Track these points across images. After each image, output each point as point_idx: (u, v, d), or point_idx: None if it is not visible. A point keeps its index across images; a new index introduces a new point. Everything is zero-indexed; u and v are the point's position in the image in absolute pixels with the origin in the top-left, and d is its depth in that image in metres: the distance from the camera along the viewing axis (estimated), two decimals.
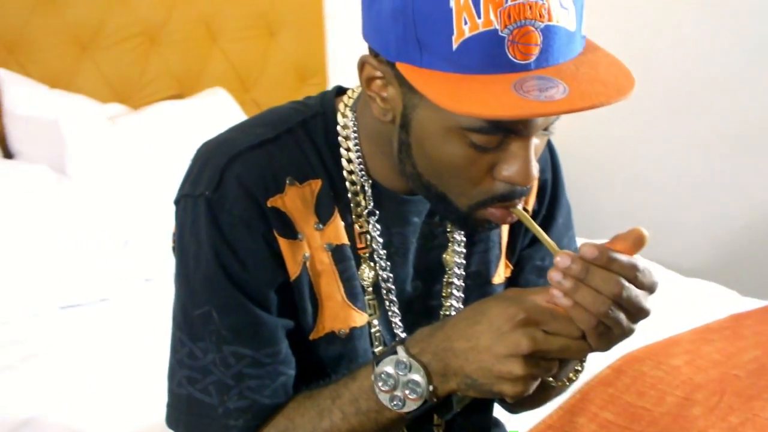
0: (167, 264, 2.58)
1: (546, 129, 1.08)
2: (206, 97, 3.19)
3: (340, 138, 1.21)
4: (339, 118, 1.21)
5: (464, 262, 1.31)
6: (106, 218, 2.59)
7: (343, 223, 1.22)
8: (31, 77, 2.86)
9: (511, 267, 1.39)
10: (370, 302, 1.25)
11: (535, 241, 1.38)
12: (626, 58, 1.02)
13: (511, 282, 1.39)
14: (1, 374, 2.04)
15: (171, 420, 1.21)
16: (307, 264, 1.19)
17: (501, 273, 1.36)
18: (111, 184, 2.67)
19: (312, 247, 1.19)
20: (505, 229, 1.36)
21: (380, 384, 1.11)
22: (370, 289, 1.24)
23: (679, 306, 2.52)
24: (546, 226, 1.37)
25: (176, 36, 3.23)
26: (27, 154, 2.73)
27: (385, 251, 1.24)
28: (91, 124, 2.75)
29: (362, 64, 1.10)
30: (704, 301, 2.60)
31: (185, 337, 1.17)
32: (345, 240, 1.22)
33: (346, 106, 1.22)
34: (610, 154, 3.68)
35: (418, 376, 1.09)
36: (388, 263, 1.25)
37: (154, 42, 3.18)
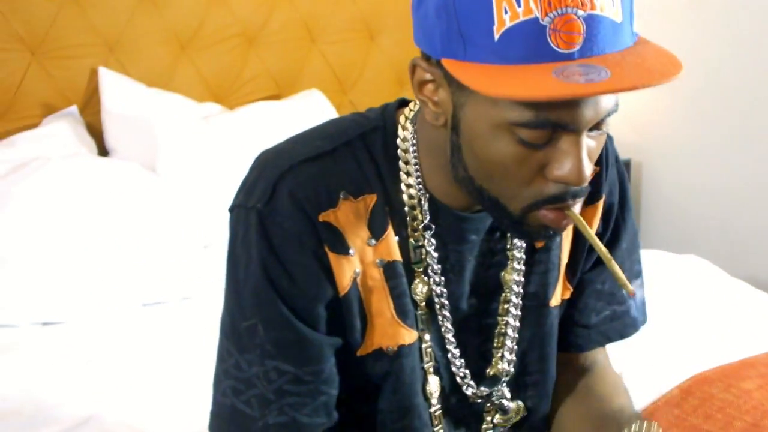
0: None
1: (598, 127, 1.05)
2: (302, 98, 3.23)
3: (399, 151, 1.19)
4: (399, 130, 1.20)
5: (522, 280, 1.29)
6: (191, 217, 2.65)
7: (396, 239, 1.21)
8: (131, 76, 2.95)
9: (571, 289, 1.37)
10: (423, 317, 1.24)
11: (597, 264, 1.36)
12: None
13: (570, 304, 1.37)
14: (79, 369, 2.07)
15: (213, 428, 1.22)
16: (358, 280, 1.18)
17: (558, 295, 1.34)
18: (200, 184, 2.73)
19: (363, 262, 1.19)
20: (566, 250, 1.33)
21: None
22: (423, 304, 1.23)
23: (758, 326, 2.43)
24: (609, 249, 1.32)
25: (275, 37, 3.29)
26: (122, 151, 2.81)
27: (439, 266, 1.23)
28: (184, 123, 2.82)
29: (413, 68, 1.09)
30: None
31: (233, 348, 1.18)
32: (398, 256, 1.21)
33: (406, 118, 1.21)
34: (697, 162, 3.59)
35: None
36: (443, 278, 1.23)
37: (253, 43, 3.24)
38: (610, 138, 1.33)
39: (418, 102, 1.17)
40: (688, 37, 3.30)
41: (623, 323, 1.41)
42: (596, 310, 1.38)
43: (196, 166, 2.76)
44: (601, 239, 1.33)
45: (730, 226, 3.33)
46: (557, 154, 1.03)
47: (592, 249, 1.33)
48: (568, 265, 1.35)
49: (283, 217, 1.14)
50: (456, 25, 0.99)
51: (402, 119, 1.21)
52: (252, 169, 1.21)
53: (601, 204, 1.32)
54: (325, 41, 3.41)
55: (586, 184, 1.05)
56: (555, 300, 1.34)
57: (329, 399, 1.19)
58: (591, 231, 1.10)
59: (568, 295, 1.37)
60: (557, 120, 0.99)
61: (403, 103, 1.25)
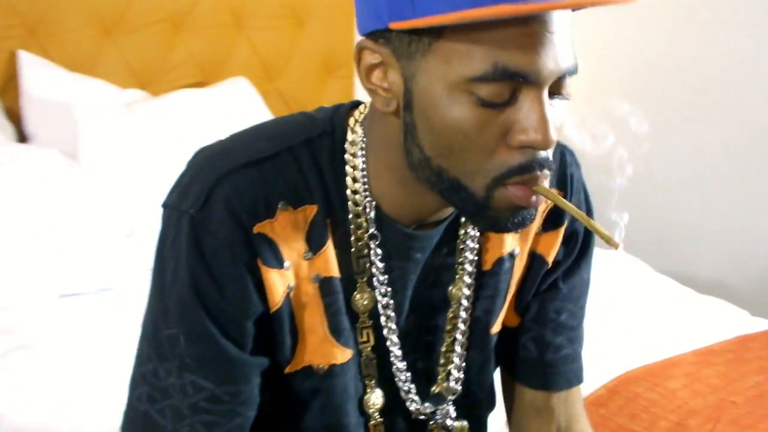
0: None
1: (559, 91, 1.01)
2: (228, 86, 3.18)
3: (346, 155, 1.14)
4: (348, 134, 1.15)
5: (472, 295, 1.25)
6: (113, 206, 2.59)
7: (336, 252, 1.16)
8: (53, 60, 2.86)
9: (519, 318, 1.34)
10: (365, 329, 1.20)
11: (550, 288, 1.33)
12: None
13: (518, 330, 1.34)
14: None
15: (125, 430, 1.17)
16: (291, 295, 1.13)
17: (499, 323, 1.31)
18: (122, 172, 2.67)
19: (298, 276, 1.13)
20: (516, 277, 1.30)
21: None
22: (366, 315, 1.19)
23: (685, 324, 2.47)
24: (567, 277, 1.33)
25: (202, 22, 3.23)
26: (42, 138, 2.73)
27: (385, 277, 1.18)
28: (106, 109, 2.75)
29: (359, 52, 1.05)
30: (712, 320, 2.53)
31: (152, 354, 1.12)
32: (335, 272, 1.16)
33: (356, 121, 1.16)
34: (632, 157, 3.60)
35: None
36: (389, 289, 1.19)
37: (179, 28, 3.18)
38: (577, 165, 1.30)
39: (367, 93, 1.12)
40: (616, 26, 3.30)
41: (580, 366, 1.38)
42: (554, 344, 1.34)
43: (119, 153, 2.69)
44: (558, 267, 1.31)
45: (656, 222, 3.35)
46: (519, 115, 0.98)
47: (545, 277, 1.31)
48: (517, 294, 1.32)
49: (216, 225, 1.07)
50: None
51: (351, 122, 1.16)
52: (188, 168, 1.14)
53: (563, 230, 1.29)
54: (252, 28, 3.35)
55: (552, 147, 1.00)
56: (496, 327, 1.31)
57: (244, 422, 1.15)
58: (564, 200, 1.06)
59: (516, 323, 1.34)
60: (516, 68, 0.96)
61: (356, 104, 1.20)
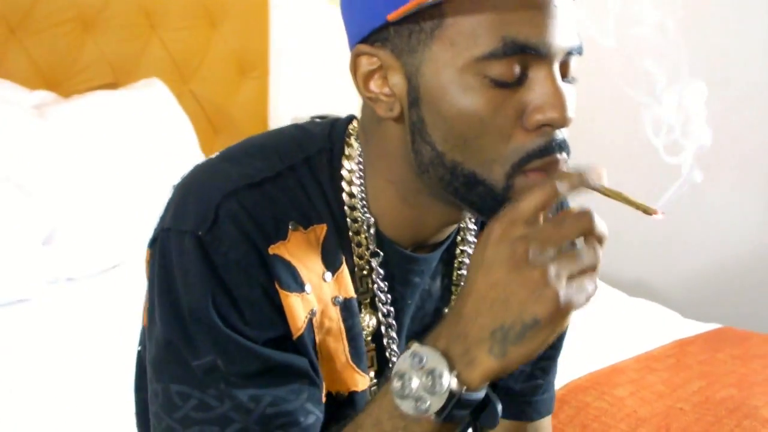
0: (92, 263, 2.50)
1: (565, 73, 0.97)
2: (142, 87, 3.05)
3: (343, 170, 1.07)
4: (345, 149, 1.09)
5: None
6: (25, 212, 2.43)
7: (349, 273, 1.08)
8: None
9: None
10: (369, 353, 1.12)
11: None
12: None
13: None
14: None
15: None
16: (314, 320, 1.04)
17: None
18: (32, 176, 2.51)
19: (321, 300, 1.05)
20: None
21: (398, 388, 0.89)
22: (369, 338, 1.11)
23: (622, 328, 2.47)
24: None
25: (113, 22, 3.09)
26: None
27: (389, 296, 1.11)
28: (13, 111, 2.59)
29: (356, 59, 1.00)
30: (647, 324, 2.55)
31: (189, 390, 0.99)
32: (353, 292, 1.08)
33: (351, 135, 1.10)
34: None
35: (436, 363, 0.87)
36: (391, 310, 1.12)
37: (89, 27, 3.04)
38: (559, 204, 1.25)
39: (366, 103, 1.05)
40: None
41: (551, 396, 1.35)
42: (527, 374, 1.31)
43: (28, 157, 2.53)
44: None
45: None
46: (533, 94, 0.94)
47: None
48: None
49: (228, 246, 0.98)
50: None
51: (348, 136, 1.10)
52: (179, 190, 1.04)
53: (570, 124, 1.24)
54: (165, 28, 3.22)
55: (569, 125, 0.95)
56: None
57: (316, 421, 1.03)
58: (613, 190, 0.96)
59: None
60: (526, 41, 0.92)
61: (352, 118, 1.13)
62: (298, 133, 1.11)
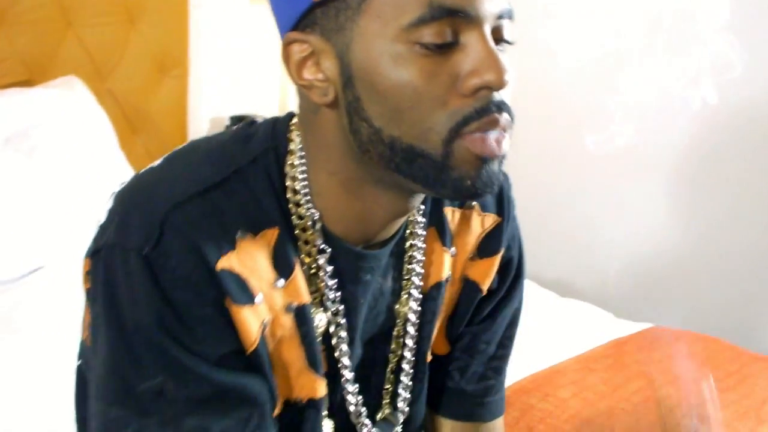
0: (10, 266, 2.39)
1: (499, 37, 0.95)
2: (59, 85, 2.94)
3: (286, 166, 1.03)
4: (288, 144, 1.04)
5: (420, 309, 1.17)
6: None
7: (303, 277, 1.04)
8: None
9: (449, 346, 1.27)
10: (321, 353, 1.08)
11: (485, 318, 1.26)
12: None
13: (446, 359, 1.28)
14: None
15: None
16: (266, 331, 1.00)
17: (430, 351, 1.23)
18: None
19: (272, 309, 1.01)
20: (446, 302, 1.22)
21: None
22: (320, 339, 1.07)
23: (557, 329, 2.46)
24: (501, 307, 1.27)
25: (26, 17, 2.97)
26: None
27: (338, 294, 1.07)
28: None
29: (287, 48, 0.97)
30: (582, 324, 2.54)
31: (130, 415, 0.94)
32: (306, 298, 1.04)
33: (292, 130, 1.06)
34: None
35: None
36: (341, 308, 1.08)
37: (1, 22, 2.92)
38: (510, 186, 1.26)
39: (300, 91, 1.02)
40: None
41: (502, 397, 1.34)
42: (479, 375, 1.29)
43: None
44: (495, 296, 1.26)
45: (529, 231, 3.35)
46: (466, 59, 0.92)
47: (480, 305, 1.25)
48: (450, 321, 1.24)
49: (174, 263, 0.94)
50: None
51: (289, 132, 1.06)
52: (120, 202, 0.99)
53: (499, 257, 1.23)
54: (81, 24, 3.11)
55: (506, 86, 0.92)
56: (429, 355, 1.23)
57: None
58: None
59: (445, 351, 1.27)
60: (453, 4, 0.90)
61: (293, 115, 1.09)
62: (240, 135, 1.07)
